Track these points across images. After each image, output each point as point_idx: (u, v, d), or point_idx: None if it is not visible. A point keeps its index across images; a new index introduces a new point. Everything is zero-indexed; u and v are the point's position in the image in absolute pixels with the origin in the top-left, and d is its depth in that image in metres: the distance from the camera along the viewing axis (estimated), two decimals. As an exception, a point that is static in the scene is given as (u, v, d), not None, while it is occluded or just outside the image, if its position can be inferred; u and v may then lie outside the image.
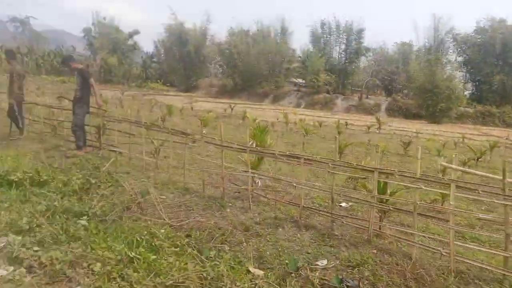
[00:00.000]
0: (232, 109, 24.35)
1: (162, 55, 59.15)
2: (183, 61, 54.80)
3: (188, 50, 54.01)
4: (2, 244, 3.28)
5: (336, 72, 48.85)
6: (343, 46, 51.13)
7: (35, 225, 3.48)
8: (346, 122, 22.25)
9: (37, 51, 50.16)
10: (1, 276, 2.86)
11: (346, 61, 50.78)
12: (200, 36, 55.12)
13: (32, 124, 9.44)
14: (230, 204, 4.98)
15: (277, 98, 48.03)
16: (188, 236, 3.93)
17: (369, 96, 46.79)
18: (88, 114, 7.00)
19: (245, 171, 5.22)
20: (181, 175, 6.42)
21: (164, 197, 5.03)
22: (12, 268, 2.95)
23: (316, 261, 3.59)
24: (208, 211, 4.72)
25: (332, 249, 3.84)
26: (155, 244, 3.63)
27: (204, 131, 12.10)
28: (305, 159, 4.37)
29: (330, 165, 4.02)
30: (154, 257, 3.30)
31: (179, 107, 21.57)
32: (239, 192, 5.72)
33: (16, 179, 4.88)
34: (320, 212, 4.47)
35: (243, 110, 24.93)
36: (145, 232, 3.78)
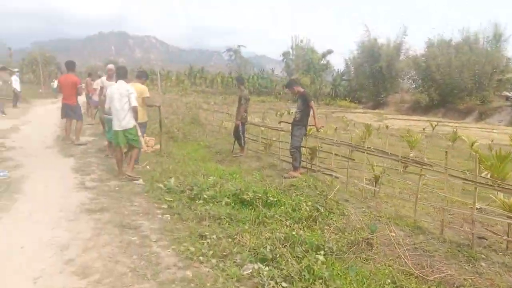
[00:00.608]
0: (433, 128, 21.78)
1: (352, 72, 59.10)
2: (373, 77, 53.42)
3: (379, 66, 52.33)
4: (249, 271, 3.31)
5: None
6: None
7: (277, 255, 3.41)
8: None
9: (244, 75, 57.66)
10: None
11: None
12: (394, 51, 52.65)
13: (248, 142, 10.37)
14: (483, 256, 3.97)
15: (483, 115, 40.87)
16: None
17: None
18: (305, 136, 7.09)
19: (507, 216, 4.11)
20: (404, 207, 5.71)
21: (394, 234, 4.43)
22: (263, 302, 2.88)
23: None
24: (454, 261, 3.87)
25: None
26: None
27: (411, 154, 10.95)
28: None
29: None
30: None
31: (375, 126, 20.63)
32: (485, 239, 4.61)
33: (248, 199, 5.15)
34: None
35: (446, 130, 22.08)
36: (389, 281, 3.26)
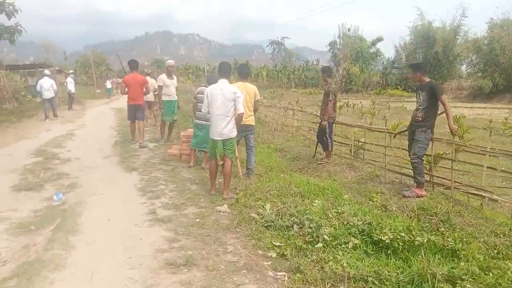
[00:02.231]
0: (518, 117, 18.80)
1: (403, 59, 55.24)
2: (427, 63, 49.47)
3: (435, 51, 48.39)
4: None
5: None
6: None
7: None
8: None
9: (289, 67, 55.58)
10: None
11: None
12: (451, 34, 48.38)
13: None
14: None
15: (557, 99, 36.26)
16: None
17: None
18: (432, 141, 5.37)
19: None
20: None
21: None
22: None
23: None
24: None
25: None
26: None
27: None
28: None
29: None
30: None
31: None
32: None
33: (387, 241, 3.58)
34: None
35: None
36: None
